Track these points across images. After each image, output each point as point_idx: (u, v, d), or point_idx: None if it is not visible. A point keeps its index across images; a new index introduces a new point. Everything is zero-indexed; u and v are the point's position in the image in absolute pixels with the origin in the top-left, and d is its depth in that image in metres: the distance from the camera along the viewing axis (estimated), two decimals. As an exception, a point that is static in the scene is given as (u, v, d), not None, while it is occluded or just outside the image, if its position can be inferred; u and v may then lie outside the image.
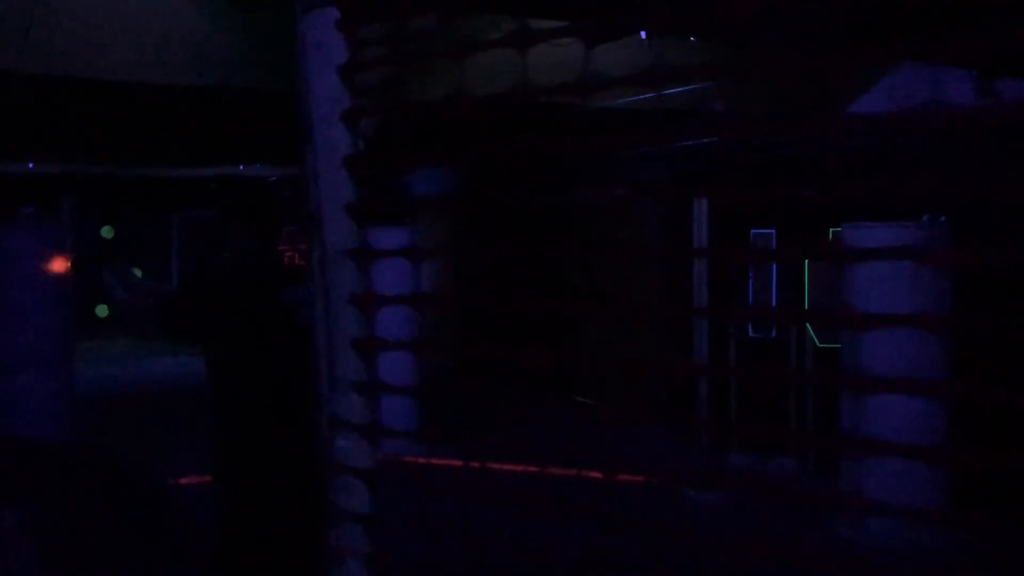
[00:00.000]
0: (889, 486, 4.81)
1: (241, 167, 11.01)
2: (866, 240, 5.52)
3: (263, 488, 2.78)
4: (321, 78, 0.95)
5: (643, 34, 3.81)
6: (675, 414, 7.71)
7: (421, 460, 7.04)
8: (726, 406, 7.66)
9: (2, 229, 6.57)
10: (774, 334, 7.41)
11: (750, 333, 7.46)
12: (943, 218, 5.71)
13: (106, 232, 15.13)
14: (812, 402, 7.03)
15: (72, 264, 7.01)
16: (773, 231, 7.20)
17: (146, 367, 12.27)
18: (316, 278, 1.07)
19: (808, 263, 7.00)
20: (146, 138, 7.58)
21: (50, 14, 3.73)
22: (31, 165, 9.91)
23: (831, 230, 6.75)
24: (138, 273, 15.01)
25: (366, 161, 0.97)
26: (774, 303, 7.42)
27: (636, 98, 6.88)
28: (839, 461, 6.08)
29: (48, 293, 6.68)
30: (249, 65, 4.53)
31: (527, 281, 10.30)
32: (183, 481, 6.58)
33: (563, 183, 9.66)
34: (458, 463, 6.55)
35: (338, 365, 1.09)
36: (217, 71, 4.57)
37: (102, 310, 13.69)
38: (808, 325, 6.76)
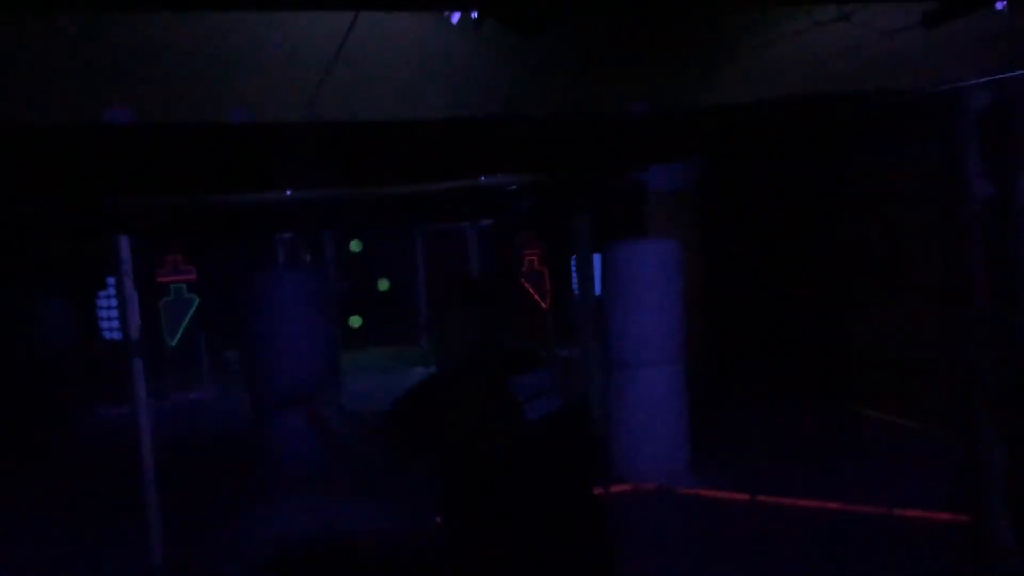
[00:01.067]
0: None
1: (483, 178, 10.90)
2: None
3: None
4: None
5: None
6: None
7: (697, 492, 6.53)
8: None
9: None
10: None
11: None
12: None
13: (354, 246, 15.71)
14: None
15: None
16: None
17: (406, 379, 12.52)
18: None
19: None
20: (401, 167, 7.54)
21: (335, 67, 3.56)
22: (288, 193, 10.30)
23: None
24: (383, 286, 15.32)
25: None
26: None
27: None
28: None
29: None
30: (518, 94, 4.19)
31: (781, 276, 9.43)
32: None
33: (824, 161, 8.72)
34: (744, 496, 5.83)
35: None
36: (482, 102, 4.27)
37: (355, 320, 14.24)
38: None
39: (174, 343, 11.82)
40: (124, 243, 4.13)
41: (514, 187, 12.41)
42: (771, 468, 6.83)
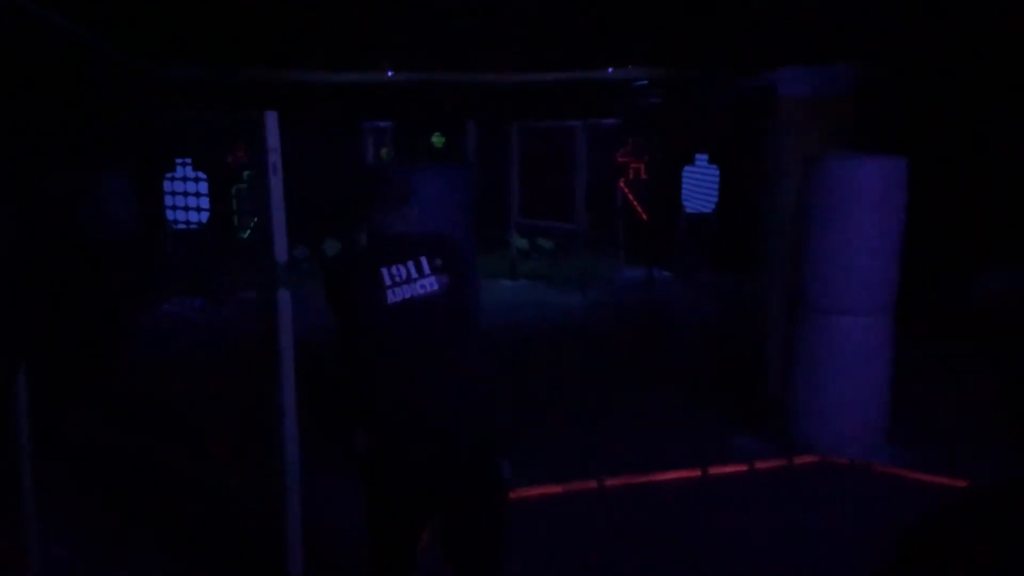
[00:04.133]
0: None
1: (610, 70, 9.44)
2: None
3: None
4: None
5: None
6: None
7: (899, 472, 5.32)
8: None
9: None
10: None
11: None
12: None
13: (436, 140, 14.38)
14: None
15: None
16: None
17: (489, 293, 11.32)
18: None
19: None
20: (513, 44, 6.14)
21: None
22: (390, 74, 8.96)
23: None
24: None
25: None
26: None
27: None
28: None
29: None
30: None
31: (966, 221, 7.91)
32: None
33: None
34: (962, 482, 4.32)
35: None
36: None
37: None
38: None
39: (246, 235, 10.70)
40: (272, 121, 2.82)
41: (643, 82, 10.90)
42: (985, 448, 5.55)
